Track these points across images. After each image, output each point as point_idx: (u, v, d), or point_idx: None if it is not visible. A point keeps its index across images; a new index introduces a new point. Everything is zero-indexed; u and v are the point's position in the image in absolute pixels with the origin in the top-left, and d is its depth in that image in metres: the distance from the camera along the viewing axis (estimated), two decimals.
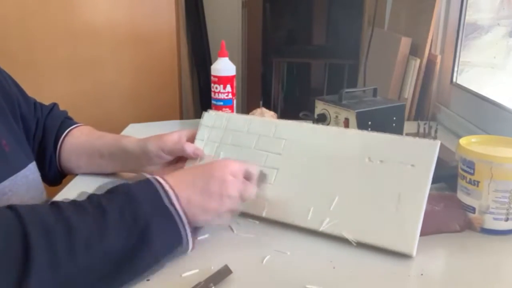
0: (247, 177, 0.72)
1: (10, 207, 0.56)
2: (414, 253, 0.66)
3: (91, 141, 0.94)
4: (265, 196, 0.77)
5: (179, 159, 0.88)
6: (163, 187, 0.63)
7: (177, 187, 0.65)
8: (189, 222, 0.63)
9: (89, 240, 0.55)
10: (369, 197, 0.71)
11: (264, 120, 0.88)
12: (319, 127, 0.84)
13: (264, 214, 0.76)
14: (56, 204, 0.59)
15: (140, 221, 0.59)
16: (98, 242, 0.56)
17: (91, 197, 0.61)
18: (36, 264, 0.51)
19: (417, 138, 0.73)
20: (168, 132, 0.88)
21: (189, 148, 0.85)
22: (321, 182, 0.75)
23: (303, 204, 0.74)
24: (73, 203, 0.60)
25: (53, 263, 0.53)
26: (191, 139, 0.88)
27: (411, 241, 0.66)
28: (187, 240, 0.64)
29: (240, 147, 0.84)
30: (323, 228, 0.71)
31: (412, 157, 0.71)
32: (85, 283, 0.55)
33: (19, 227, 0.53)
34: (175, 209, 0.62)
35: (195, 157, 0.85)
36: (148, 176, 0.66)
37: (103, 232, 0.56)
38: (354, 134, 0.78)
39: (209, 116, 0.90)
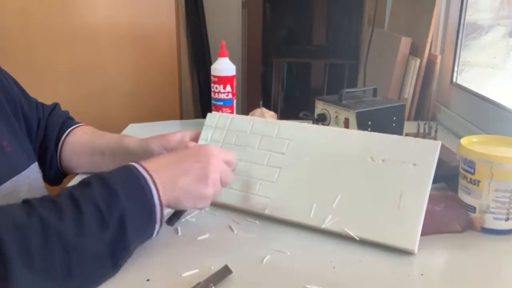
0: (227, 163, 0.73)
1: None
2: (415, 250, 0.66)
3: (93, 140, 0.94)
4: (268, 194, 0.77)
5: None
6: (139, 174, 0.62)
7: (157, 171, 0.64)
8: (161, 211, 0.63)
9: (63, 235, 0.54)
10: (371, 195, 0.71)
11: (267, 121, 0.89)
12: (322, 128, 0.85)
13: (266, 212, 0.76)
14: (28, 201, 0.58)
15: (116, 218, 0.58)
16: (74, 237, 0.55)
17: (65, 191, 0.60)
18: (13, 260, 0.50)
19: (418, 139, 0.74)
20: (171, 132, 0.88)
21: (192, 144, 0.84)
22: (324, 180, 0.75)
23: (305, 202, 0.74)
24: (46, 198, 0.59)
25: (29, 260, 0.52)
26: (194, 139, 0.88)
27: (412, 237, 0.66)
28: (157, 232, 0.64)
29: (243, 147, 0.84)
30: (325, 225, 0.71)
31: (414, 157, 0.72)
32: (63, 278, 0.54)
33: None
34: (153, 202, 0.62)
35: None
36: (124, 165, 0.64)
37: (78, 226, 0.55)
38: (356, 135, 0.79)
39: (212, 117, 0.90)
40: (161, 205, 0.63)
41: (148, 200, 0.62)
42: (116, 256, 0.59)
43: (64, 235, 0.54)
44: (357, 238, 0.69)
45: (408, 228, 0.67)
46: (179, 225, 0.74)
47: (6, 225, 0.53)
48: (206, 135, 0.89)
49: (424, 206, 0.68)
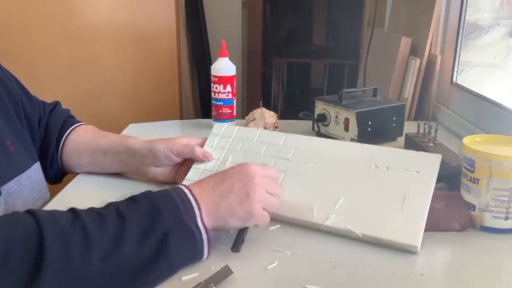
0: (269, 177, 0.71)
1: (29, 212, 0.56)
2: (418, 246, 0.66)
3: (96, 139, 0.93)
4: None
5: (182, 163, 0.89)
6: (185, 199, 0.63)
7: (200, 195, 0.64)
8: (208, 237, 0.63)
9: (105, 249, 0.54)
10: (375, 198, 0.73)
11: (273, 132, 0.91)
12: (327, 140, 0.87)
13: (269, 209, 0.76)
14: (74, 211, 0.58)
15: (159, 235, 0.58)
16: (114, 251, 0.55)
17: (110, 205, 0.61)
18: (49, 269, 0.51)
19: (420, 152, 0.78)
20: (174, 135, 0.89)
21: (198, 150, 0.85)
22: (328, 183, 0.77)
23: (309, 202, 0.75)
24: (92, 210, 0.60)
25: (66, 269, 0.52)
26: (200, 145, 0.88)
27: (416, 234, 0.67)
28: (204, 255, 0.63)
29: (248, 153, 0.85)
30: (328, 222, 0.71)
31: (416, 166, 0.75)
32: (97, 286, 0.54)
33: (37, 231, 0.53)
34: (196, 225, 0.62)
35: (203, 159, 0.86)
36: (171, 186, 0.65)
37: (120, 241, 0.56)
38: (361, 146, 0.82)
39: (219, 126, 0.92)
40: (204, 227, 0.62)
41: (191, 222, 0.61)
42: (153, 272, 0.58)
43: (103, 245, 0.55)
44: (360, 235, 0.69)
45: (411, 226, 0.68)
46: None
47: (52, 233, 0.53)
48: (212, 142, 0.89)
49: (427, 206, 0.70)
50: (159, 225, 0.59)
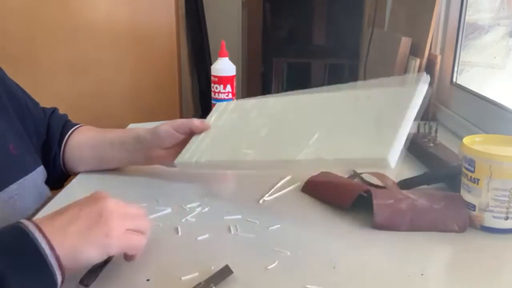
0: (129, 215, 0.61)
1: None
2: (388, 159, 0.61)
3: (102, 134, 0.95)
4: (252, 146, 0.79)
5: (186, 141, 0.89)
6: (29, 233, 0.52)
7: (42, 222, 0.55)
8: (55, 256, 0.52)
9: None
10: (351, 125, 0.70)
11: (270, 99, 0.90)
12: (317, 95, 0.84)
13: (247, 158, 0.78)
14: None
15: None
16: None
17: None
18: None
19: (407, 74, 0.72)
20: None
21: (196, 121, 0.89)
22: (306, 126, 0.76)
23: (284, 144, 0.75)
24: None
25: None
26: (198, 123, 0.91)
27: (387, 147, 0.62)
28: (60, 283, 0.53)
29: (240, 118, 0.88)
30: (301, 157, 0.70)
31: (401, 84, 0.70)
32: None
33: None
34: (40, 244, 0.52)
35: (202, 127, 0.88)
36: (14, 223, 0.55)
37: None
38: (348, 89, 0.79)
39: (219, 105, 0.96)
40: (52, 251, 0.52)
41: (35, 248, 0.52)
42: None
43: None
44: (332, 159, 0.66)
45: (383, 140, 0.63)
46: (179, 225, 0.74)
47: None
48: (209, 118, 0.93)
49: (404, 121, 0.64)
50: None
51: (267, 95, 0.91)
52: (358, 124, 0.69)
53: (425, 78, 0.70)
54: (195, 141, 0.88)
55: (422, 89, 0.68)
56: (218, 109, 0.95)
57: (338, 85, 0.81)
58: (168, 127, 0.88)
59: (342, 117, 0.73)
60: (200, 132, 0.88)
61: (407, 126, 0.64)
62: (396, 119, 0.65)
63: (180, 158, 0.86)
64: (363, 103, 0.72)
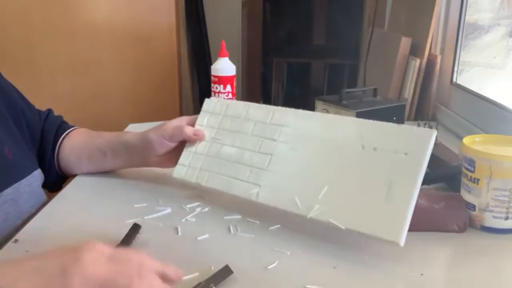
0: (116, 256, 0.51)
1: None
2: (401, 243, 0.63)
3: (92, 141, 0.93)
4: (258, 181, 0.77)
5: (183, 142, 0.87)
6: None
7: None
8: None
9: None
10: (360, 186, 0.70)
11: (262, 106, 0.87)
12: (317, 114, 0.83)
13: (254, 199, 0.76)
14: None
15: None
16: None
17: None
18: None
19: (413, 126, 0.71)
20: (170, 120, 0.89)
21: (188, 130, 0.84)
22: (313, 169, 0.75)
23: (293, 191, 0.74)
24: None
25: None
26: (191, 125, 0.88)
27: (399, 230, 0.63)
28: None
29: (237, 133, 0.84)
30: (311, 214, 0.70)
31: (407, 145, 0.69)
32: None
33: None
34: None
35: (195, 138, 0.85)
36: None
37: None
38: (351, 121, 0.77)
39: (209, 102, 0.91)
40: None
41: None
42: None
43: None
44: (343, 228, 0.67)
45: (395, 220, 0.64)
46: (179, 225, 0.74)
47: None
48: (202, 121, 0.88)
49: (413, 197, 0.65)
50: None
51: (260, 104, 0.88)
52: (368, 184, 0.69)
53: (433, 133, 0.69)
54: (190, 151, 0.86)
55: (430, 150, 0.68)
56: (209, 107, 0.90)
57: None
58: (159, 138, 0.84)
59: (350, 168, 0.72)
60: (193, 142, 0.86)
61: (416, 194, 0.65)
62: (407, 191, 0.66)
63: (178, 173, 0.85)
64: (370, 155, 0.72)
